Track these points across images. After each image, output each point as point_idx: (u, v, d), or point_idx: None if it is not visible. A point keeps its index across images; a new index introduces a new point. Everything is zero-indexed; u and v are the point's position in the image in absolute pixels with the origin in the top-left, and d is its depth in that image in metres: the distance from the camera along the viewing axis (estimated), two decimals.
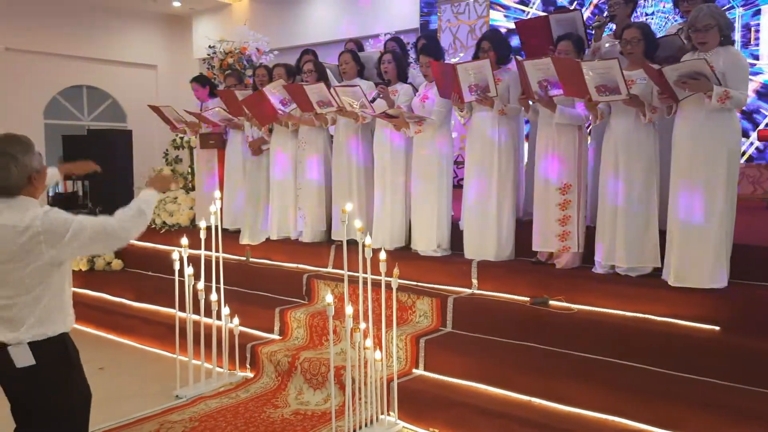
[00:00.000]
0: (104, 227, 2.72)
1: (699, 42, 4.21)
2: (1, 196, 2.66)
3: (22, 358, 2.60)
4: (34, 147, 2.73)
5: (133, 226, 2.83)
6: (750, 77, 4.85)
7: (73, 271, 7.48)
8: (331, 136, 6.38)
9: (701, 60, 4.08)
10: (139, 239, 7.66)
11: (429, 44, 5.84)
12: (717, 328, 4.07)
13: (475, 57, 5.30)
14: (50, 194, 10.98)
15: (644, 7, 7.62)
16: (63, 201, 11.98)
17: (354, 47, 6.97)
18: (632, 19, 5.27)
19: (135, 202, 2.93)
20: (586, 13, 8.07)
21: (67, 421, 2.77)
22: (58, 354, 2.71)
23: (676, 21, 6.40)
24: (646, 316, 4.33)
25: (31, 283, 2.63)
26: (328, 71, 6.47)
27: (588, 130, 5.17)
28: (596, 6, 8.02)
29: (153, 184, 3.14)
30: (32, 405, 2.70)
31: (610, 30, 5.38)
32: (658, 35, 4.92)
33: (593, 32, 5.40)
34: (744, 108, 5.20)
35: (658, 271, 4.58)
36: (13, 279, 2.62)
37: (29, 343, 2.62)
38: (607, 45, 5.19)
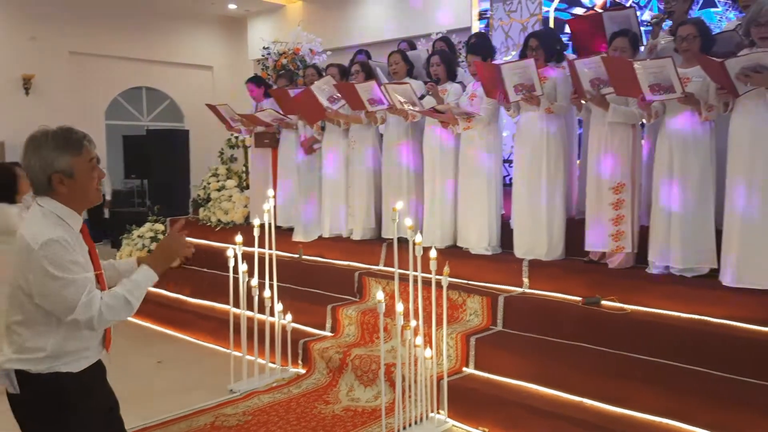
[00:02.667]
0: (79, 310, 2.21)
1: (761, 37, 4.10)
2: (34, 193, 2.35)
3: (9, 385, 2.30)
4: (81, 147, 2.31)
5: (110, 319, 2.29)
6: None
7: None
8: (381, 135, 6.42)
9: (767, 53, 3.96)
10: (195, 237, 7.86)
11: (477, 43, 5.82)
12: None
13: (523, 55, 5.27)
14: (106, 195, 11.23)
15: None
16: (120, 198, 12.36)
17: (407, 47, 6.99)
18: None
19: (125, 287, 2.33)
20: (647, 13, 7.90)
21: None
22: (50, 393, 2.29)
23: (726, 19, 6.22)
24: (703, 317, 4.24)
25: (30, 305, 2.27)
26: (379, 70, 6.51)
27: (642, 129, 5.08)
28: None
29: (153, 258, 2.48)
30: None
31: (668, 26, 5.28)
32: (717, 32, 4.81)
33: (651, 28, 5.31)
34: None
35: (714, 272, 4.48)
36: (19, 287, 2.28)
37: (20, 372, 2.27)
38: (663, 42, 5.09)
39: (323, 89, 6.24)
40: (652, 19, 5.27)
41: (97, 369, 2.45)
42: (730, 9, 6.23)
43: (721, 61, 4.08)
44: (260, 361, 5.14)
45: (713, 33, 4.60)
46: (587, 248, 5.08)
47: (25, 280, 2.23)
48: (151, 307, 6.77)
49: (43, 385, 2.28)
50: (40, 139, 2.28)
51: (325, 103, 6.25)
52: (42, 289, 2.20)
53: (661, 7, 5.58)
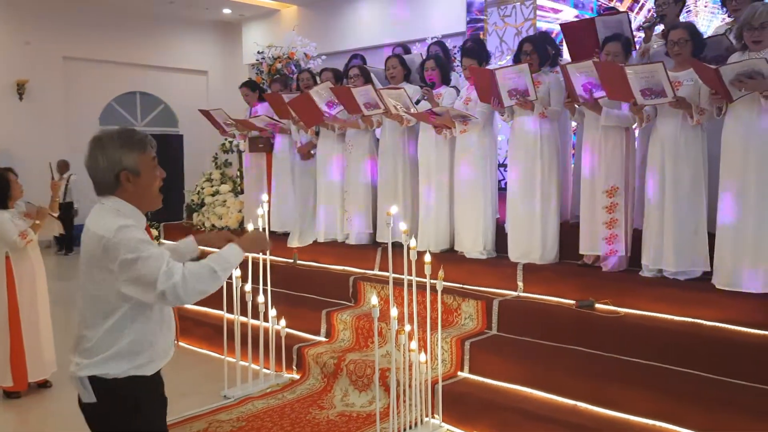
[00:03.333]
0: (161, 279, 2.19)
1: (753, 40, 4.12)
2: (96, 194, 2.36)
3: (85, 394, 2.29)
4: (145, 146, 2.35)
5: (196, 287, 2.29)
6: None
7: None
8: (378, 139, 6.43)
9: (761, 59, 3.98)
10: None
11: (472, 47, 5.83)
12: None
13: (517, 59, 5.29)
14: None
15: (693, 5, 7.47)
16: None
17: (401, 52, 7.01)
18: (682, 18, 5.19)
19: (210, 260, 2.35)
20: (640, 16, 7.94)
21: None
22: (125, 398, 2.30)
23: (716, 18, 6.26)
24: (696, 320, 4.26)
25: (107, 308, 2.26)
26: (374, 76, 6.52)
27: (635, 133, 5.10)
28: (649, 11, 7.90)
29: (244, 240, 2.56)
30: None
31: (660, 30, 5.30)
32: (705, 35, 4.83)
33: (643, 33, 5.33)
34: None
35: (707, 275, 4.49)
36: (93, 296, 2.28)
37: (92, 378, 2.27)
38: (656, 46, 5.11)
39: (321, 94, 6.25)
40: (644, 23, 5.29)
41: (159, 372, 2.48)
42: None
43: (716, 68, 4.10)
44: (254, 366, 5.13)
45: (704, 37, 4.62)
46: (581, 251, 5.09)
47: (108, 275, 2.21)
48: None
49: (119, 390, 2.28)
50: (105, 139, 2.31)
51: (323, 108, 6.26)
52: (126, 275, 2.19)
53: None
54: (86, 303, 2.31)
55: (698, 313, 4.27)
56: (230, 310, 5.06)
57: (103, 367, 2.26)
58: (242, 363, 5.06)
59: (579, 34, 5.36)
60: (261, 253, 2.85)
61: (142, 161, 2.33)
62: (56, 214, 5.33)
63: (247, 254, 2.54)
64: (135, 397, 2.31)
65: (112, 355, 2.26)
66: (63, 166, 11.58)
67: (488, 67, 5.66)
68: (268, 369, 5.18)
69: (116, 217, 2.25)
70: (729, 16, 4.91)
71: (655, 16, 5.19)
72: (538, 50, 5.23)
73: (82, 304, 2.32)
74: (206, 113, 7.56)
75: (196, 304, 6.57)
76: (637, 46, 5.22)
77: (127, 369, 2.28)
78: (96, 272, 2.25)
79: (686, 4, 5.59)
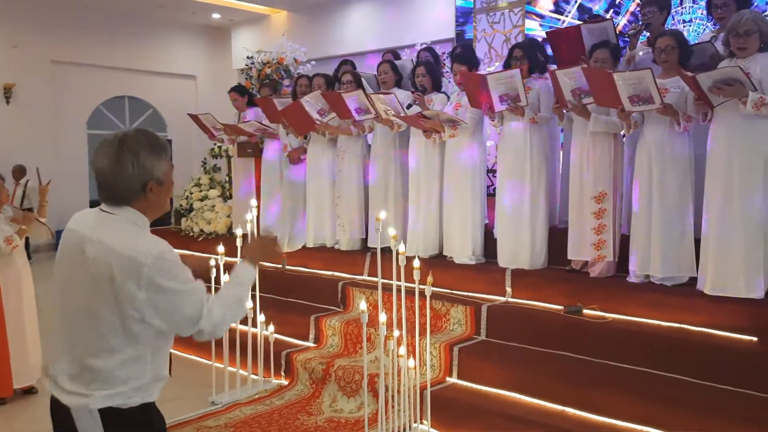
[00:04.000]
0: (205, 320, 2.07)
1: (738, 47, 4.16)
2: (106, 202, 2.10)
3: (89, 424, 2.03)
4: (168, 151, 2.14)
5: (229, 323, 2.19)
6: None
7: None
8: (369, 145, 6.44)
9: (735, 67, 4.04)
10: (177, 247, 7.82)
11: (462, 53, 5.87)
12: (755, 339, 4.00)
13: (507, 65, 5.32)
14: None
15: (682, 14, 7.54)
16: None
17: (391, 57, 7.03)
18: (669, 27, 5.23)
19: (233, 288, 2.25)
20: (623, 21, 8.00)
21: None
22: (140, 427, 2.11)
23: (709, 29, 6.32)
24: (683, 326, 4.28)
25: (119, 335, 2.02)
26: (365, 81, 6.54)
27: (622, 138, 5.13)
28: (632, 14, 7.96)
29: (253, 253, 2.39)
30: None
31: (645, 37, 5.34)
32: (693, 42, 4.88)
33: (628, 40, 5.37)
34: None
35: (694, 280, 4.52)
36: (97, 319, 2.02)
37: (108, 410, 2.03)
38: (641, 53, 5.15)
39: (313, 102, 6.26)
40: (629, 30, 5.33)
41: None
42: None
43: (692, 76, 4.15)
44: (242, 372, 5.11)
45: (690, 44, 4.66)
46: (569, 257, 5.12)
47: (125, 301, 1.97)
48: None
49: (134, 419, 2.07)
50: (133, 143, 2.05)
51: (315, 115, 6.26)
52: (159, 306, 1.99)
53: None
54: (86, 326, 2.03)
55: (685, 319, 4.29)
56: None
57: (119, 399, 2.04)
58: (230, 369, 5.04)
59: (565, 41, 5.39)
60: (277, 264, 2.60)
61: (168, 169, 2.13)
62: (44, 219, 5.29)
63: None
64: (148, 421, 2.13)
65: (135, 389, 2.05)
66: (18, 172, 11.12)
67: (478, 72, 5.69)
68: (257, 375, 5.16)
69: (141, 233, 2.06)
70: (714, 25, 4.96)
71: (640, 23, 5.23)
72: (528, 56, 5.26)
73: (79, 325, 2.05)
74: (195, 117, 7.54)
75: None
76: (622, 53, 5.26)
77: (143, 397, 2.09)
78: (109, 293, 1.98)
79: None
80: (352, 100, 5.85)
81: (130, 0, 12.12)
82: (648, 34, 5.24)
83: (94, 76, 12.79)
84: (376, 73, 6.40)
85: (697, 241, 4.49)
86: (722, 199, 4.22)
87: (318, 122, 6.29)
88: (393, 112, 5.71)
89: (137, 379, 2.06)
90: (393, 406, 4.11)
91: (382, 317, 4.00)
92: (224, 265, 5.00)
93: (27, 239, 4.97)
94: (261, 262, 2.40)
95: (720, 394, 3.76)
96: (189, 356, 6.00)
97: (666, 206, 4.51)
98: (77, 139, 12.56)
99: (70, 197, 11.80)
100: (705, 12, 7.12)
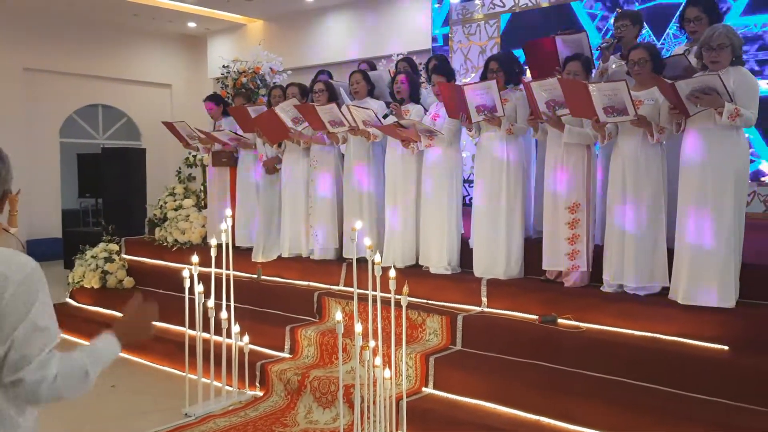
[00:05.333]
0: (33, 366, 1.71)
1: (711, 61, 4.23)
2: None
3: None
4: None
5: (60, 393, 1.77)
6: None
7: (84, 288, 7.67)
8: (343, 155, 6.43)
9: (715, 75, 4.10)
10: (151, 257, 7.74)
11: (441, 65, 5.91)
12: (726, 348, 4.06)
13: (483, 77, 5.36)
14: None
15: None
16: (74, 218, 12.09)
17: (367, 67, 7.04)
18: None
19: (84, 356, 1.87)
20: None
21: None
22: None
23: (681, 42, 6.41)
24: (655, 335, 4.32)
25: None
26: (342, 90, 6.54)
27: (596, 150, 5.19)
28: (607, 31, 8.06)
29: (124, 329, 2.06)
30: None
31: (618, 51, 5.41)
32: (666, 56, 4.95)
33: (601, 53, 5.44)
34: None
35: (667, 290, 4.57)
36: None
37: None
38: (614, 66, 5.22)
39: (287, 111, 6.25)
40: (602, 43, 5.40)
41: None
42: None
43: (671, 83, 4.21)
44: (216, 383, 5.06)
45: (663, 57, 4.73)
46: (544, 267, 5.15)
47: None
48: (103, 330, 6.63)
49: None
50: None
51: (289, 124, 6.26)
52: (20, 332, 1.70)
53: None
54: None
55: (658, 328, 4.33)
56: (192, 326, 4.99)
57: None
58: (204, 380, 4.99)
59: (540, 52, 5.44)
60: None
61: (10, 182, 1.98)
62: (14, 230, 5.20)
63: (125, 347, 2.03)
64: None
65: None
66: None
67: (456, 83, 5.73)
68: (231, 386, 5.11)
69: (13, 252, 1.78)
70: (687, 39, 5.04)
71: (613, 37, 5.30)
72: (504, 68, 5.31)
73: None
74: (170, 125, 7.48)
75: (157, 320, 6.51)
76: (595, 66, 5.33)
77: None
78: None
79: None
80: (326, 112, 5.85)
81: (104, 8, 12.00)
82: (621, 47, 5.30)
83: (67, 84, 12.63)
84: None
85: (670, 251, 4.54)
86: (695, 210, 4.28)
87: (292, 131, 6.27)
88: (371, 122, 5.71)
89: None
90: (369, 417, 4.09)
91: (358, 327, 3.99)
92: (198, 275, 4.96)
93: None
94: (130, 343, 2.05)
95: (693, 402, 3.80)
96: (162, 367, 5.93)
97: (639, 217, 4.56)
98: (49, 148, 12.38)
99: (42, 207, 11.65)
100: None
